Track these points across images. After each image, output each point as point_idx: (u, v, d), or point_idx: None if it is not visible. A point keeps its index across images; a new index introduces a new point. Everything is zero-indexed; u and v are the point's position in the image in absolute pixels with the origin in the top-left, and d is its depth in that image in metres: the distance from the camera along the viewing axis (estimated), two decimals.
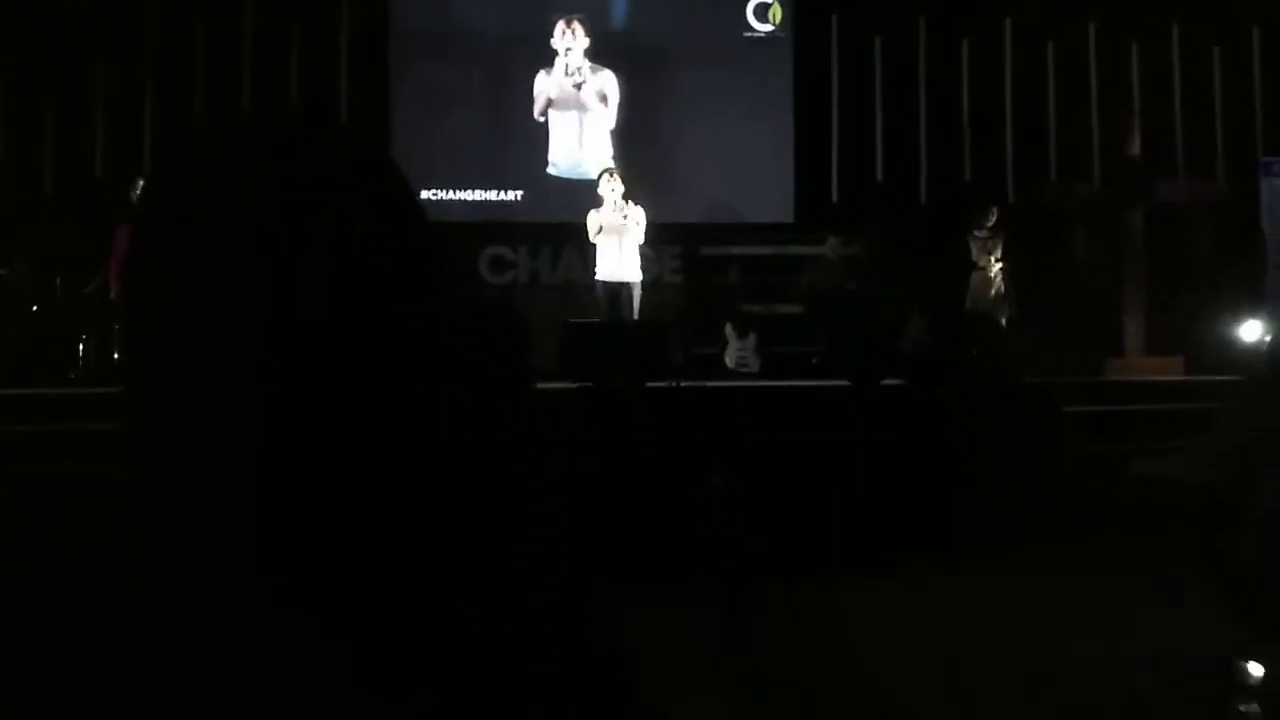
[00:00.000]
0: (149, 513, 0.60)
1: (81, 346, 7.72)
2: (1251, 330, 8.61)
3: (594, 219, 8.00)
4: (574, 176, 9.59)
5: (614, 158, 9.45)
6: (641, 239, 8.08)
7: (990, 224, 8.93)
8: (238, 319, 0.58)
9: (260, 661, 0.57)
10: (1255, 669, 3.15)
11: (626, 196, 8.01)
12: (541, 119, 9.66)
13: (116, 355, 7.05)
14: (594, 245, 8.09)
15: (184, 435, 0.59)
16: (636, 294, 8.05)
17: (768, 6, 10.12)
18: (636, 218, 7.98)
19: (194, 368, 0.58)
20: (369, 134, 0.72)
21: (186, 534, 0.59)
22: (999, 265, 8.85)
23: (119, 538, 0.60)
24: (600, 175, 8.27)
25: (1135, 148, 9.21)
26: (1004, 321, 8.78)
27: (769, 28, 10.13)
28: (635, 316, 8.03)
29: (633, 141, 9.66)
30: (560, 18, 9.58)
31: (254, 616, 0.57)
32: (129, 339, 0.61)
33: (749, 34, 10.10)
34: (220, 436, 0.58)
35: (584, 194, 9.31)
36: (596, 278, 8.09)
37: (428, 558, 0.61)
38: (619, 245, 7.97)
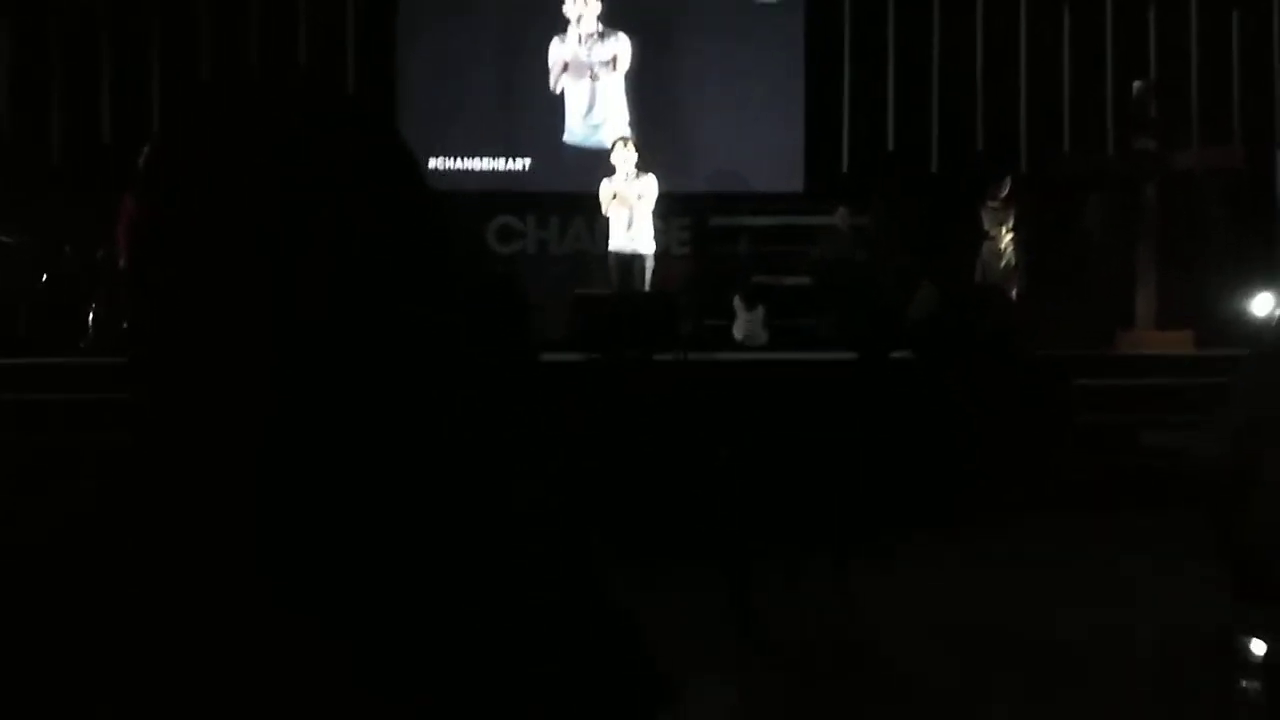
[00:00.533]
0: (150, 511, 0.59)
1: (91, 315, 7.73)
2: (1264, 304, 8.54)
3: (607, 188, 7.95)
4: (589, 144, 9.51)
5: (627, 125, 9.38)
6: (651, 208, 8.04)
7: (1004, 194, 8.86)
8: (241, 291, 0.57)
9: (260, 661, 0.57)
10: (1258, 646, 3.16)
11: (638, 166, 7.96)
12: (559, 89, 9.59)
13: (125, 324, 7.06)
14: (606, 216, 8.06)
15: (184, 436, 0.59)
16: (649, 265, 8.01)
17: None
18: (647, 188, 7.94)
19: (198, 344, 0.58)
20: (375, 104, 0.70)
21: (188, 534, 0.58)
22: (1010, 236, 8.79)
23: (120, 538, 0.59)
24: (614, 143, 8.21)
25: (1150, 116, 9.09)
26: (1014, 293, 8.73)
27: None
28: (647, 288, 8.00)
29: (643, 109, 9.59)
30: None
31: (254, 616, 0.57)
32: (135, 310, 0.61)
33: (760, 0, 9.98)
34: (222, 426, 0.58)
35: (593, 163, 9.26)
36: (610, 249, 8.06)
37: (427, 557, 0.61)
38: (630, 215, 7.93)
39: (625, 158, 7.92)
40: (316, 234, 0.58)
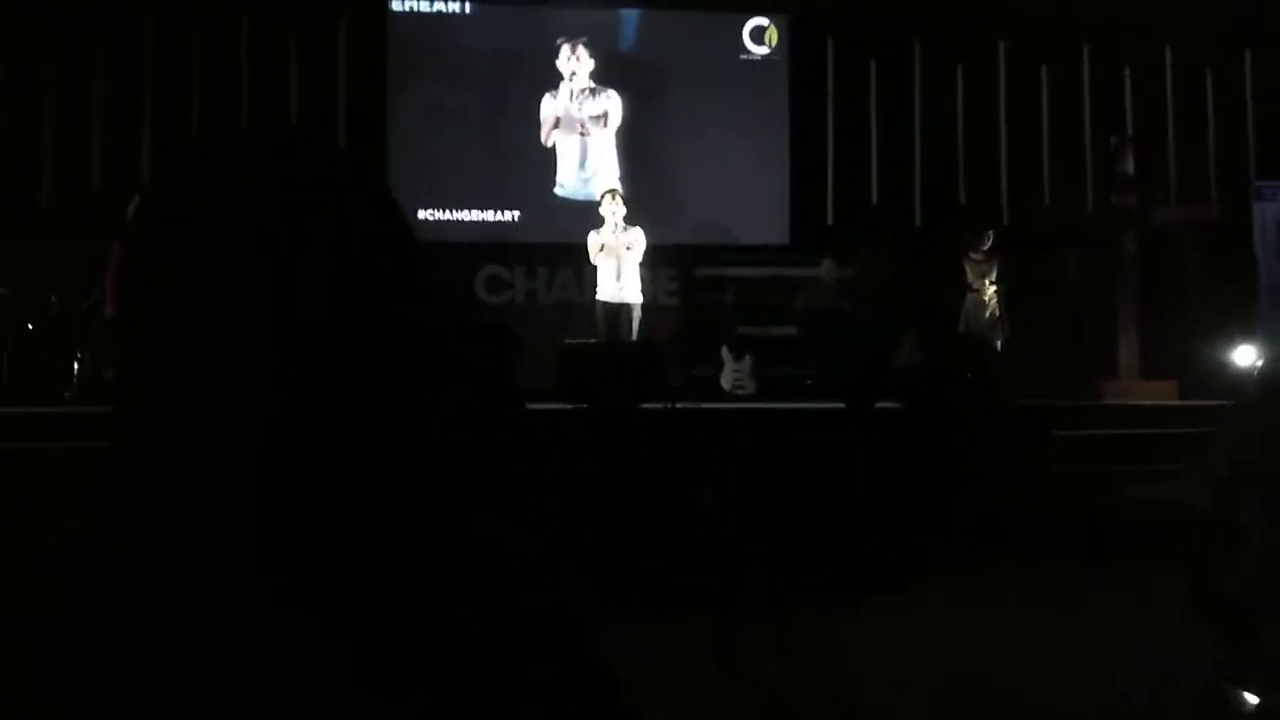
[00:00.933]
0: (149, 515, 0.60)
1: (76, 364, 7.70)
2: (1245, 355, 8.64)
3: (595, 239, 8.02)
4: (579, 197, 9.64)
5: (617, 179, 9.50)
6: (639, 259, 8.11)
7: (986, 246, 8.98)
8: (234, 324, 0.59)
9: (260, 661, 0.57)
10: (1249, 698, 3.15)
11: (626, 218, 8.05)
12: (550, 144, 9.73)
13: (110, 373, 7.03)
14: (594, 266, 8.12)
15: (183, 441, 0.60)
16: (636, 315, 8.06)
17: (764, 29, 10.20)
18: (635, 239, 8.02)
19: (191, 373, 0.59)
20: (364, 157, 0.72)
21: (187, 535, 0.59)
22: (993, 288, 8.89)
23: (117, 539, 0.60)
24: (603, 196, 8.31)
25: (1128, 171, 9.27)
26: (999, 344, 8.81)
27: (765, 50, 10.21)
28: (634, 337, 8.05)
29: (632, 162, 9.72)
30: (565, 41, 9.66)
31: (254, 616, 0.58)
32: (126, 343, 0.62)
33: (745, 56, 10.18)
34: (219, 440, 0.59)
35: (581, 215, 9.36)
36: (597, 298, 8.11)
37: (424, 556, 0.62)
38: (618, 266, 8.01)
39: (614, 210, 8.01)
40: (304, 286, 0.59)
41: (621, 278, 8.02)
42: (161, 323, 0.60)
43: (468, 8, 9.93)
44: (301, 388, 0.59)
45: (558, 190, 9.74)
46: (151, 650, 0.57)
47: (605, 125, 9.77)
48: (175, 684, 0.57)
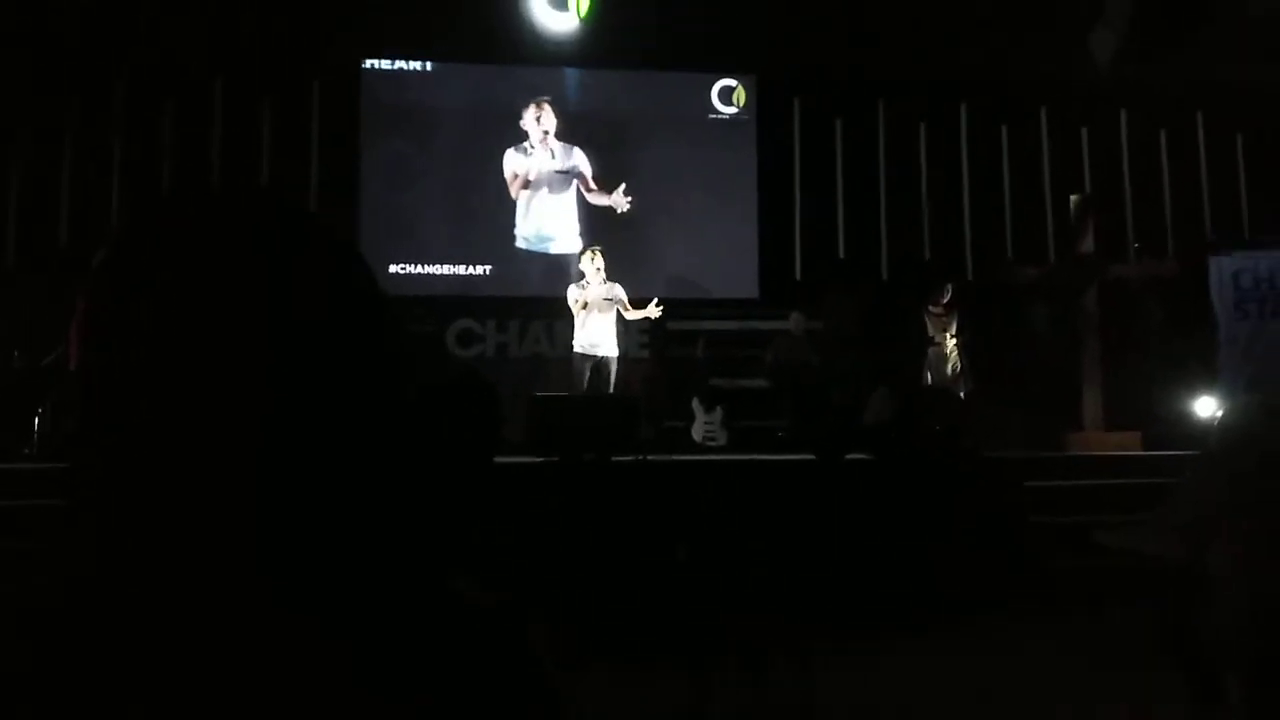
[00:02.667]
0: (147, 520, 0.60)
1: (37, 420, 7.58)
2: (1206, 405, 8.78)
3: (575, 294, 8.08)
4: (542, 250, 9.73)
5: (582, 234, 9.59)
6: (629, 311, 8.16)
7: (945, 300, 9.11)
8: (196, 380, 0.59)
9: (260, 661, 0.57)
10: None
11: (606, 272, 8.14)
12: (515, 198, 9.81)
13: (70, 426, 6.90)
14: (569, 319, 8.17)
15: (137, 491, 0.60)
16: (614, 367, 8.11)
17: (732, 90, 10.41)
18: (616, 294, 8.11)
19: (150, 424, 0.59)
20: (332, 216, 0.73)
21: (187, 537, 0.59)
22: (954, 340, 9.01)
23: (118, 543, 0.60)
24: (582, 253, 8.39)
25: (1088, 227, 9.48)
26: (962, 395, 8.90)
27: (733, 110, 10.41)
28: (612, 389, 8.07)
29: (601, 219, 9.81)
30: (531, 101, 9.79)
31: (254, 617, 0.58)
32: (82, 406, 0.61)
33: (714, 116, 10.37)
34: (171, 528, 0.59)
35: (552, 268, 9.42)
36: (575, 350, 8.14)
37: (393, 619, 0.62)
38: (599, 321, 8.07)
39: (594, 265, 8.09)
40: (267, 346, 0.60)
41: (599, 331, 8.07)
42: (120, 372, 0.60)
43: (437, 66, 10.06)
44: (264, 447, 0.60)
45: (520, 244, 9.81)
46: (153, 651, 0.57)
47: (571, 181, 9.87)
48: (176, 684, 0.56)
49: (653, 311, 8.13)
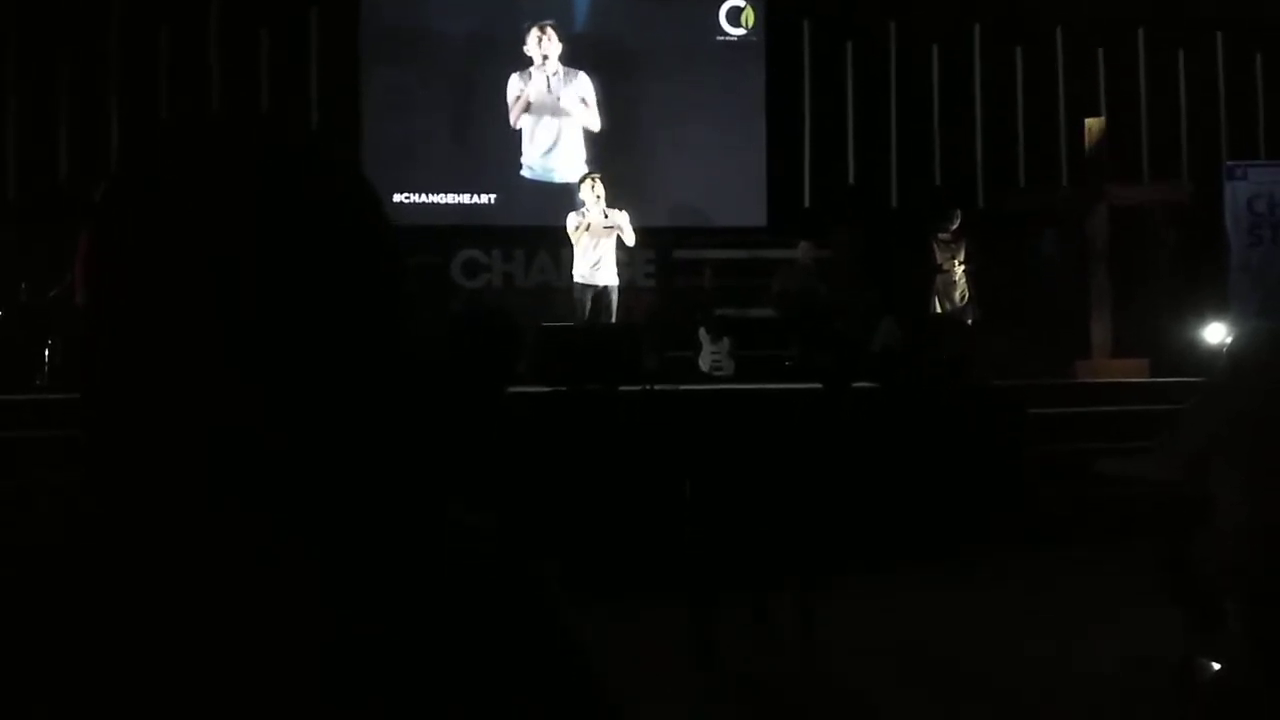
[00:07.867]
0: (121, 501, 0.60)
1: (47, 352, 7.62)
2: (1215, 332, 8.74)
3: (574, 221, 8.00)
4: (547, 179, 9.61)
5: (587, 161, 9.47)
6: (632, 240, 8.09)
7: (953, 227, 9.02)
8: (203, 309, 0.58)
9: (246, 657, 0.57)
10: (1216, 667, 3.20)
11: (608, 200, 8.04)
12: (518, 125, 9.66)
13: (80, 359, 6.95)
14: (571, 248, 8.10)
15: (148, 428, 0.59)
16: (614, 297, 8.07)
17: (740, 10, 10.17)
18: (621, 221, 8.02)
19: (158, 359, 0.59)
20: (336, 140, 0.72)
21: (193, 469, 0.59)
22: (963, 268, 8.95)
23: (124, 476, 0.60)
24: (582, 181, 8.28)
25: (1101, 151, 9.33)
26: (970, 323, 8.87)
27: (741, 32, 10.18)
28: (613, 319, 8.05)
29: (606, 145, 9.68)
30: (534, 25, 9.58)
31: (253, 546, 0.58)
32: (91, 343, 0.61)
33: (721, 38, 10.15)
34: (185, 429, 0.59)
35: (557, 197, 9.31)
36: (575, 280, 8.10)
37: (397, 546, 0.62)
38: (598, 249, 8.00)
39: (598, 195, 7.99)
40: (275, 272, 0.59)
41: (599, 260, 8.02)
42: (127, 307, 0.59)
43: None
44: (274, 375, 0.59)
45: (525, 173, 9.69)
46: (134, 650, 0.57)
47: (576, 108, 9.70)
48: (160, 683, 0.56)
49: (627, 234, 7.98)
